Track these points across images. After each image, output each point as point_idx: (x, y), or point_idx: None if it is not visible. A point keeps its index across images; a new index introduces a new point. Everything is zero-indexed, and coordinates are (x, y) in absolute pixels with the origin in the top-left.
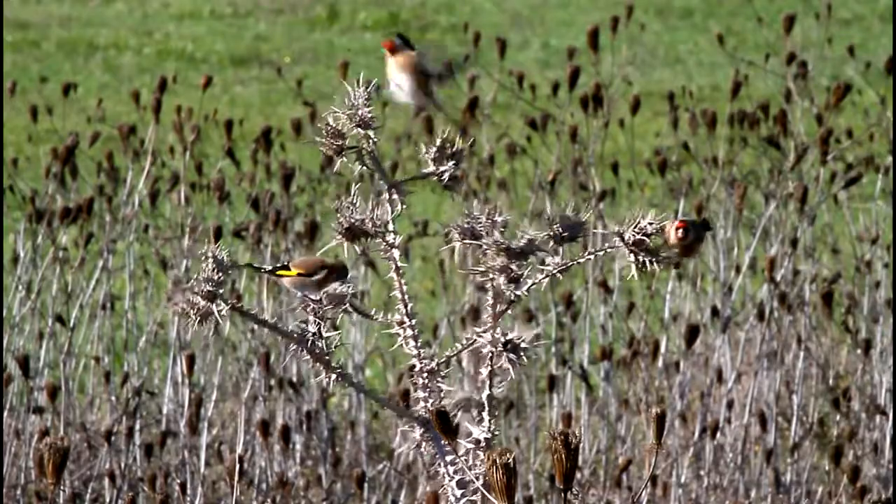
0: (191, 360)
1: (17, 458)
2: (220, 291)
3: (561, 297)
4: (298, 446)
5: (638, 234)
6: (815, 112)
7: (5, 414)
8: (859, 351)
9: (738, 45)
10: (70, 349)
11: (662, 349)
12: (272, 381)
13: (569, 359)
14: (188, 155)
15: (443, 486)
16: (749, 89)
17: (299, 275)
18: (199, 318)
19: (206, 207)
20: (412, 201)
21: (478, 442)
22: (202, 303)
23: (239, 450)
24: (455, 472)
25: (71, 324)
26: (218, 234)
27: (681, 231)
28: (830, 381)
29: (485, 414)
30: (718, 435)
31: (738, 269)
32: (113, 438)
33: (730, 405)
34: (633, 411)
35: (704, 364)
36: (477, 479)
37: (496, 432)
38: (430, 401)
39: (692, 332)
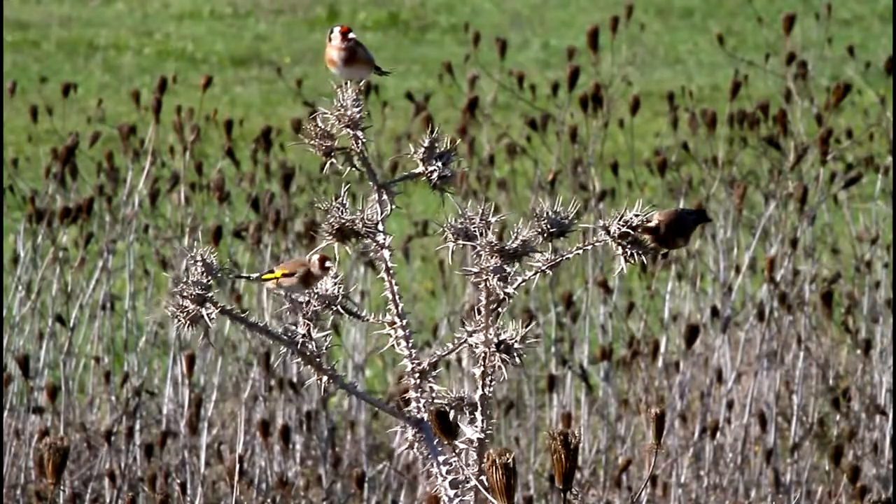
0: (191, 360)
1: (17, 458)
2: (210, 295)
3: (561, 297)
4: (298, 446)
5: (623, 226)
6: (815, 112)
7: (5, 414)
8: (859, 351)
9: (738, 45)
10: (70, 349)
11: (662, 349)
12: (272, 382)
13: (569, 359)
14: (188, 155)
15: (436, 486)
16: (749, 89)
17: (283, 275)
18: (188, 322)
19: (206, 207)
20: (413, 201)
21: (471, 441)
22: (191, 306)
23: (239, 450)
24: (448, 472)
25: (71, 324)
26: (218, 234)
27: (653, 224)
28: (830, 381)
29: (478, 413)
30: (718, 435)
31: (737, 269)
32: (113, 438)
33: (730, 405)
34: (633, 411)
35: (704, 364)
36: (470, 478)
37: (489, 431)
38: (422, 401)
39: (692, 332)
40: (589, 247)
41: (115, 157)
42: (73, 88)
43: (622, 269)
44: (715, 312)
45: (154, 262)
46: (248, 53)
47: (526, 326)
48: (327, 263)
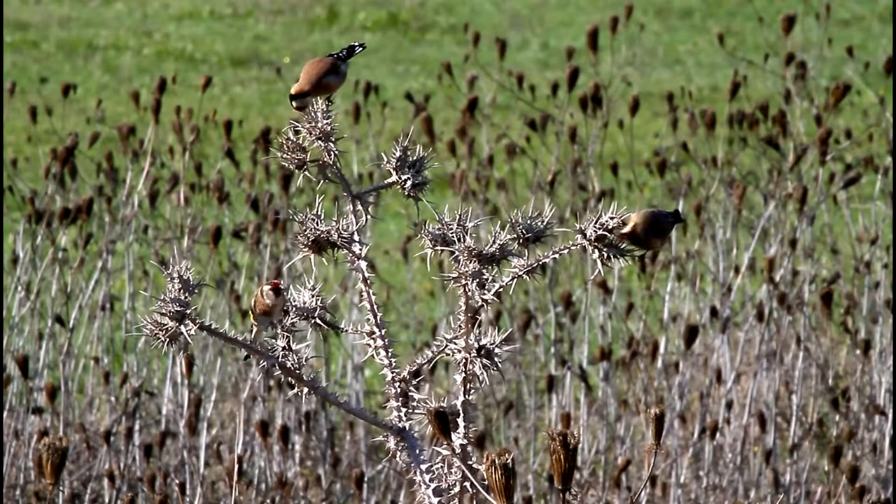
0: (190, 361)
1: (16, 458)
2: (188, 311)
3: (560, 297)
4: (298, 447)
5: (599, 229)
6: (815, 112)
7: (5, 414)
8: (858, 351)
9: (737, 45)
10: (69, 350)
11: (661, 350)
12: (271, 382)
13: (568, 359)
14: (188, 155)
15: (420, 494)
16: (748, 90)
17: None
18: (167, 339)
19: (205, 208)
20: (412, 201)
21: (454, 448)
22: (170, 323)
23: (238, 450)
24: (431, 479)
25: (70, 324)
26: (217, 234)
27: (629, 227)
28: (830, 382)
29: (460, 420)
30: (718, 435)
31: (737, 270)
32: (112, 439)
33: (729, 406)
34: (633, 412)
35: (704, 364)
36: (453, 485)
37: (471, 438)
38: (403, 410)
39: (691, 333)
40: (566, 251)
41: (115, 157)
42: (72, 89)
43: (599, 272)
44: (714, 313)
45: (153, 262)
46: (247, 54)
47: (520, 330)
48: (278, 290)
